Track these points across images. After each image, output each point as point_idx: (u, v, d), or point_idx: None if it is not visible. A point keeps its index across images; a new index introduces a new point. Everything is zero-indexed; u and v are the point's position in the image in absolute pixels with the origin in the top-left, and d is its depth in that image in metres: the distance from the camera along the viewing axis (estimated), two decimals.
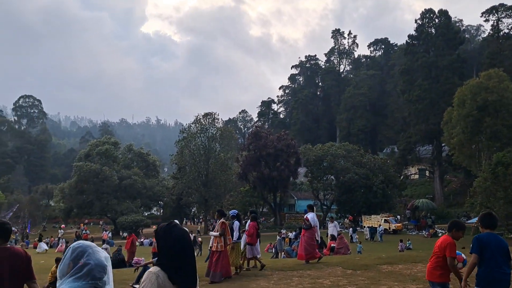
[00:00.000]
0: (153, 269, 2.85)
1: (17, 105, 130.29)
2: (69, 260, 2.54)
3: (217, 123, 60.72)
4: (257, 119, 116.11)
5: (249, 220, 13.38)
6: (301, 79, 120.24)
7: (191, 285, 2.86)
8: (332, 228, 20.87)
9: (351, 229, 39.57)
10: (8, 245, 4.57)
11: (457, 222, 6.25)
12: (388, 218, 45.47)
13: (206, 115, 60.02)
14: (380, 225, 41.48)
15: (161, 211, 71.99)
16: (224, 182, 58.29)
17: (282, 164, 55.71)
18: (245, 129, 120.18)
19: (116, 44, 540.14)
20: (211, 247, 11.51)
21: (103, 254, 2.64)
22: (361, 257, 17.05)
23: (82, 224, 62.48)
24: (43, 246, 35.79)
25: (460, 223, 6.17)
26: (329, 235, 20.89)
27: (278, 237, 27.23)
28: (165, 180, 67.74)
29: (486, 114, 41.21)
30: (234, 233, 11.90)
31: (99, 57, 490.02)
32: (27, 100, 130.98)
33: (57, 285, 2.50)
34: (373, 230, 39.13)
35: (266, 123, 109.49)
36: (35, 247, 38.01)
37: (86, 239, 41.28)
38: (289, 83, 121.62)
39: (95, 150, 61.85)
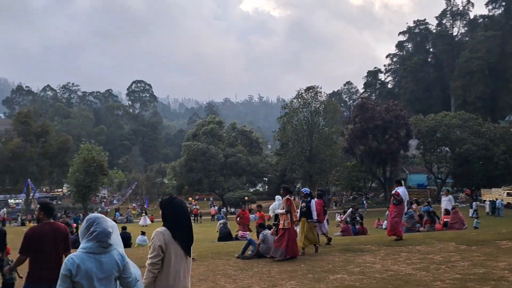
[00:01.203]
0: (160, 229, 3.93)
1: (130, 90, 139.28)
2: (84, 228, 3.54)
3: (319, 96, 59.18)
4: (363, 90, 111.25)
5: (315, 198, 13.10)
6: (409, 45, 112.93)
7: (188, 241, 3.98)
8: (446, 202, 18.93)
9: (474, 203, 36.15)
10: (51, 221, 5.62)
11: None
12: None
13: (308, 89, 58.75)
14: (497, 198, 37.53)
15: (266, 187, 72.55)
16: (329, 157, 56.93)
17: (391, 137, 53.06)
18: (351, 101, 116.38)
19: (216, 24, 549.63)
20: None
21: (110, 224, 3.60)
22: (477, 232, 15.40)
23: (192, 200, 65.11)
24: (146, 220, 37.63)
25: None
26: (442, 210, 18.96)
27: (387, 213, 25.42)
28: (269, 156, 67.91)
29: None
30: (313, 213, 11.58)
31: (200, 39, 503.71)
32: (138, 85, 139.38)
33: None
34: (494, 204, 35.52)
35: (373, 94, 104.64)
36: (152, 221, 40.16)
37: (196, 214, 43.23)
38: (397, 50, 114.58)
39: (201, 130, 63.89)
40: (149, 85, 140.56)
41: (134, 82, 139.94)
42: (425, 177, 62.47)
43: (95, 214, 3.66)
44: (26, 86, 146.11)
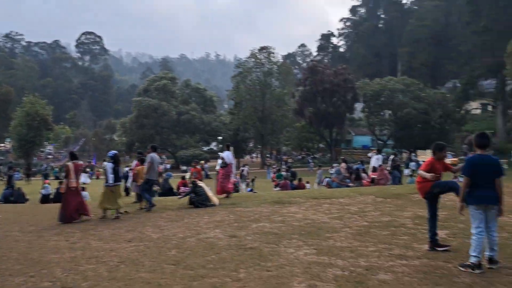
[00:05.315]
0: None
1: (79, 41, 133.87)
2: None
3: (272, 57, 59.89)
4: (317, 53, 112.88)
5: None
6: (362, 11, 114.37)
7: None
8: (375, 160, 20.69)
9: (411, 163, 38.66)
10: None
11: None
12: None
13: (261, 49, 59.24)
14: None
15: (220, 146, 72.92)
16: (280, 118, 58.32)
17: (338, 100, 55.12)
18: (304, 63, 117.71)
19: None
20: None
21: None
22: (398, 187, 16.92)
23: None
24: (86, 178, 34.77)
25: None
26: (371, 167, 20.90)
27: (318, 171, 27.70)
28: (223, 115, 67.47)
29: None
30: None
31: None
32: (88, 36, 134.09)
33: None
34: None
35: (326, 58, 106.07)
36: (97, 177, 40.45)
37: None
38: (350, 15, 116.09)
39: (153, 85, 61.86)
40: (100, 37, 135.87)
41: (83, 33, 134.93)
42: (369, 138, 65.47)
43: None
44: None
